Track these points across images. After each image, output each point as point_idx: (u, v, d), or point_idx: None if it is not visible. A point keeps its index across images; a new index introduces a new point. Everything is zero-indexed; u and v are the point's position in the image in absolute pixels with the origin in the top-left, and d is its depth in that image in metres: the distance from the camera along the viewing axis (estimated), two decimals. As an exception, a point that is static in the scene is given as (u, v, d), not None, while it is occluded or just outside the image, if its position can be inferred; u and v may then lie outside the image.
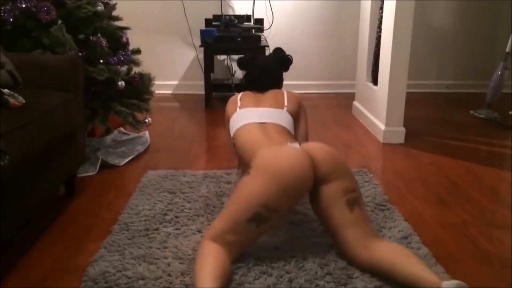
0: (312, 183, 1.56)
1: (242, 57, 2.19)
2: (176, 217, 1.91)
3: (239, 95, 2.05)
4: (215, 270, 1.39)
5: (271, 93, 2.04)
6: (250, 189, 1.51)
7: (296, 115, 1.98)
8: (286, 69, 2.18)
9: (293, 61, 2.21)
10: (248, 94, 2.06)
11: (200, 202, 2.05)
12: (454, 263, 1.63)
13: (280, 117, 1.89)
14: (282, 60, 2.16)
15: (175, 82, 4.50)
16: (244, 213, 1.48)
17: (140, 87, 2.75)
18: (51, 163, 1.84)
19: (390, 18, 2.85)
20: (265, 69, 2.11)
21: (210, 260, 1.43)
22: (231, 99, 2.07)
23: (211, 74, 4.04)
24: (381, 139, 3.03)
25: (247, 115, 1.90)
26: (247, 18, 4.10)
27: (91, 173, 2.40)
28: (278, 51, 2.20)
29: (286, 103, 1.96)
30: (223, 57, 4.40)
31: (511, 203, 2.14)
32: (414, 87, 4.21)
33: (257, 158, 1.57)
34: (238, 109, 1.96)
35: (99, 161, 2.47)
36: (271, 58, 2.17)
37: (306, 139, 1.99)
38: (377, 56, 3.22)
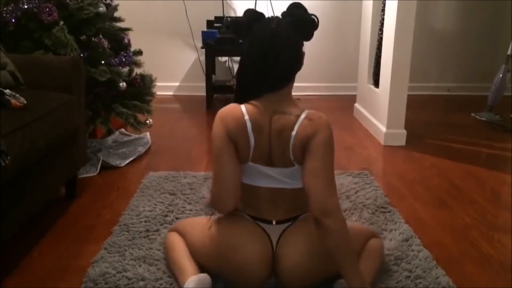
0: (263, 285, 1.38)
1: (237, 19, 1.37)
2: (177, 218, 1.91)
3: (243, 109, 1.34)
4: (186, 252, 1.46)
5: (279, 120, 1.32)
6: (196, 239, 1.46)
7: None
8: (308, 37, 1.35)
9: None
10: (254, 108, 1.34)
11: (201, 204, 2.05)
12: (454, 265, 1.62)
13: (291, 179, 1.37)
14: (301, 23, 1.32)
15: (177, 84, 4.51)
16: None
17: (141, 88, 2.76)
18: (52, 164, 1.84)
19: (392, 20, 2.85)
20: (274, 46, 1.29)
21: (178, 245, 1.50)
22: (228, 114, 1.35)
23: (213, 76, 4.05)
24: (382, 141, 3.02)
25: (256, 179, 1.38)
26: (249, 19, 4.10)
27: (92, 174, 2.40)
28: (295, 8, 1.34)
29: (292, 147, 1.31)
30: (224, 58, 4.40)
31: (513, 206, 2.14)
32: (416, 90, 4.21)
33: (214, 241, 1.38)
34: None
35: (100, 162, 2.47)
36: (283, 23, 1.31)
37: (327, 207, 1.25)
38: (378, 58, 3.22)
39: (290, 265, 1.33)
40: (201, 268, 1.42)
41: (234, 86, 1.44)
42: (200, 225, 1.47)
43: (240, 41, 1.37)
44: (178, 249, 1.49)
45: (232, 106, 1.36)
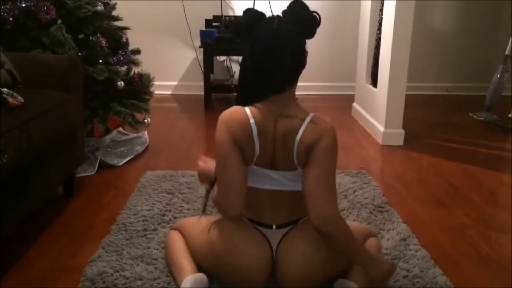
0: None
1: (237, 20, 1.34)
2: (175, 217, 1.91)
3: (248, 112, 1.29)
4: (185, 251, 1.46)
5: (284, 123, 1.29)
6: (194, 247, 1.46)
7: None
8: (311, 35, 1.32)
9: None
10: (258, 111, 1.30)
11: (198, 203, 2.04)
12: (452, 265, 1.62)
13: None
14: (304, 22, 1.29)
15: (175, 83, 4.50)
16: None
17: (139, 87, 2.75)
18: (49, 162, 1.83)
19: (390, 19, 2.86)
20: (277, 47, 1.26)
21: (178, 244, 1.50)
22: (233, 117, 1.30)
23: (211, 75, 4.04)
24: (380, 141, 3.02)
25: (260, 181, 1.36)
26: (247, 19, 4.10)
27: (90, 173, 2.40)
28: (296, 5, 1.30)
29: (296, 152, 1.29)
30: (222, 58, 4.40)
31: (511, 206, 2.14)
32: (414, 89, 4.21)
33: (214, 245, 1.37)
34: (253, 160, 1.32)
35: (98, 161, 2.47)
36: (285, 23, 1.28)
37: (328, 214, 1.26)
38: (377, 58, 3.22)
39: (289, 271, 1.32)
40: (200, 268, 1.42)
41: (236, 88, 1.43)
42: (201, 226, 1.46)
43: (239, 40, 1.36)
44: (177, 248, 1.49)
45: (236, 109, 1.31)
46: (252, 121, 1.27)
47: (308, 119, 1.28)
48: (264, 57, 1.26)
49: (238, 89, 1.39)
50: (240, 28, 1.31)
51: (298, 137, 1.26)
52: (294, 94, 1.35)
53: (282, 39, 1.26)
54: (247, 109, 1.29)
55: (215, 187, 1.37)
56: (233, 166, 1.28)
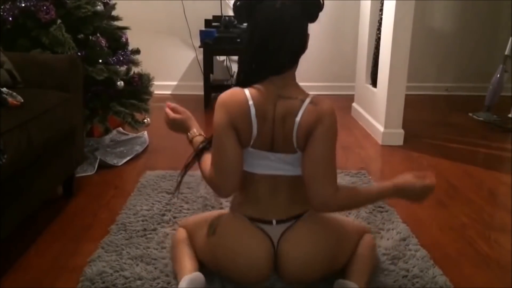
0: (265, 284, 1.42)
1: (238, 1, 1.30)
2: (174, 217, 1.91)
3: (247, 93, 1.28)
4: (189, 250, 1.46)
5: (283, 105, 1.28)
6: (198, 244, 1.47)
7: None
8: (314, 18, 1.30)
9: None
10: (258, 92, 1.29)
11: (198, 203, 2.04)
12: (452, 265, 1.62)
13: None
14: (307, 4, 1.27)
15: (174, 83, 4.50)
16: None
17: (139, 87, 2.75)
18: (49, 162, 1.83)
19: (390, 19, 2.86)
20: (279, 28, 1.24)
21: (182, 243, 1.50)
22: (230, 98, 1.29)
23: (211, 75, 4.04)
24: (380, 141, 3.02)
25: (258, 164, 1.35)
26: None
27: (89, 173, 2.40)
28: None
29: (295, 135, 1.27)
30: (222, 58, 4.40)
31: (511, 206, 2.14)
32: (413, 89, 4.21)
33: (215, 246, 1.38)
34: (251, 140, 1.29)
35: (98, 161, 2.47)
36: (288, 3, 1.25)
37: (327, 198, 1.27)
38: (376, 58, 3.22)
39: (291, 266, 1.33)
40: (203, 266, 1.43)
41: (236, 70, 1.40)
42: (205, 226, 1.45)
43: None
44: (181, 247, 1.49)
45: (234, 90, 1.29)
46: (250, 102, 1.26)
47: (307, 100, 1.26)
48: (265, 37, 1.24)
49: (238, 68, 1.38)
50: (241, 8, 1.28)
51: (297, 118, 1.25)
52: (294, 76, 1.34)
53: (285, 20, 1.23)
54: (246, 91, 1.28)
55: (205, 158, 1.38)
56: (229, 147, 1.28)
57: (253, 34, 1.27)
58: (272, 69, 1.28)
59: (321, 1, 1.27)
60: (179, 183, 1.46)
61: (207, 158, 1.37)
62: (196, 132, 1.46)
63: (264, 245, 1.34)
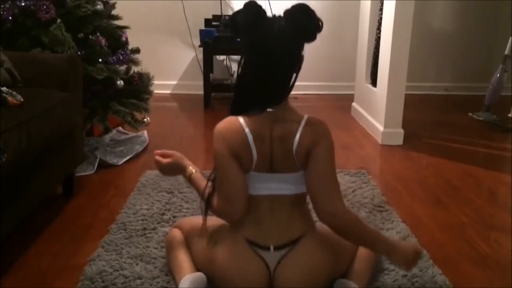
0: None
1: (236, 17, 1.28)
2: (174, 217, 1.91)
3: (242, 122, 1.29)
4: (185, 250, 1.46)
5: (281, 129, 1.29)
6: (193, 249, 1.48)
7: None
8: (311, 40, 1.30)
9: None
10: (254, 119, 1.29)
11: (198, 202, 2.03)
12: (451, 265, 1.63)
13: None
14: (306, 30, 1.26)
15: (174, 82, 4.50)
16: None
17: (139, 86, 2.75)
18: (49, 161, 1.83)
19: (390, 19, 2.86)
20: (275, 56, 1.24)
21: (178, 243, 1.49)
22: (227, 128, 1.30)
23: (210, 75, 4.04)
24: (379, 141, 3.03)
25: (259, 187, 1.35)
26: (247, 18, 4.10)
27: (89, 173, 2.40)
28: (301, 13, 1.26)
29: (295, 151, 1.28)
30: (222, 57, 4.40)
31: (511, 206, 2.14)
32: (413, 89, 4.21)
33: (216, 260, 1.37)
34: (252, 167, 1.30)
35: (97, 160, 2.47)
36: (286, 28, 1.24)
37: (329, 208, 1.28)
38: (376, 57, 3.22)
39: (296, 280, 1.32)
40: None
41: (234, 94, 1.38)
42: (202, 234, 1.43)
43: (238, 40, 1.35)
44: (177, 247, 1.49)
45: (229, 119, 1.31)
46: (247, 129, 1.27)
47: (303, 122, 1.28)
48: (261, 65, 1.25)
49: (235, 98, 1.36)
50: (239, 25, 1.26)
51: (296, 138, 1.27)
52: (288, 100, 1.34)
53: (281, 48, 1.24)
54: (241, 118, 1.29)
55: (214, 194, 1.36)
56: (233, 175, 1.29)
57: (250, 61, 1.28)
58: (268, 101, 1.29)
59: (320, 23, 1.26)
60: (205, 223, 1.41)
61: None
62: (192, 169, 1.45)
63: (260, 271, 1.33)
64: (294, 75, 1.30)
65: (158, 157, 1.46)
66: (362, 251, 1.46)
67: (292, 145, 1.27)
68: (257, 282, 1.32)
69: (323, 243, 1.36)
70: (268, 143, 1.29)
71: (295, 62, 1.29)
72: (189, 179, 1.44)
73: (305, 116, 1.30)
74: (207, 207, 1.37)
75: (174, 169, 1.48)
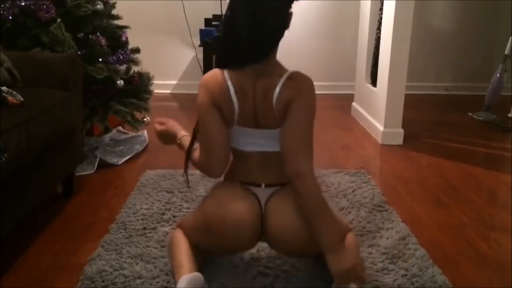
0: (254, 246, 1.46)
1: None
2: (174, 216, 1.91)
3: (226, 74, 1.31)
4: (187, 250, 1.45)
5: (262, 84, 1.29)
6: (189, 225, 1.50)
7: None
8: None
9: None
10: (238, 73, 1.31)
11: (198, 202, 2.04)
12: (451, 264, 1.63)
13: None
14: None
15: (174, 82, 4.50)
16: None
17: (139, 86, 2.75)
18: (49, 161, 1.83)
19: (390, 19, 2.86)
20: (261, 10, 1.25)
21: (180, 242, 1.48)
22: (210, 79, 1.33)
23: (210, 74, 4.04)
24: (379, 141, 3.03)
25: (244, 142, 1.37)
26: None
27: (89, 172, 2.40)
28: None
29: (275, 107, 1.28)
30: (222, 57, 4.39)
31: (511, 206, 2.14)
32: (413, 89, 4.21)
33: (205, 208, 1.41)
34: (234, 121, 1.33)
35: (97, 160, 2.47)
36: None
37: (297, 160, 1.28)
38: (376, 57, 3.22)
39: (277, 224, 1.34)
40: (199, 267, 1.42)
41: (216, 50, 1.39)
42: (196, 211, 1.48)
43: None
44: (179, 246, 1.49)
45: (214, 71, 1.33)
46: (229, 82, 1.29)
47: (285, 75, 1.28)
48: (247, 23, 1.24)
49: (218, 52, 1.38)
50: None
51: (275, 93, 1.26)
52: (275, 55, 1.35)
53: (268, 3, 1.24)
54: (226, 71, 1.31)
55: (196, 149, 1.40)
56: (213, 126, 1.32)
57: (234, 18, 1.27)
58: (253, 56, 1.30)
59: None
60: (187, 178, 1.51)
61: (196, 152, 1.41)
62: (183, 133, 1.49)
63: (252, 200, 1.35)
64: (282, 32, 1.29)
65: (156, 125, 1.52)
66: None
67: (272, 99, 1.27)
68: (250, 212, 1.33)
69: None
70: (251, 97, 1.30)
71: (283, 19, 1.28)
72: (180, 145, 1.48)
73: (290, 71, 1.31)
74: (188, 159, 1.41)
75: (167, 136, 1.53)
